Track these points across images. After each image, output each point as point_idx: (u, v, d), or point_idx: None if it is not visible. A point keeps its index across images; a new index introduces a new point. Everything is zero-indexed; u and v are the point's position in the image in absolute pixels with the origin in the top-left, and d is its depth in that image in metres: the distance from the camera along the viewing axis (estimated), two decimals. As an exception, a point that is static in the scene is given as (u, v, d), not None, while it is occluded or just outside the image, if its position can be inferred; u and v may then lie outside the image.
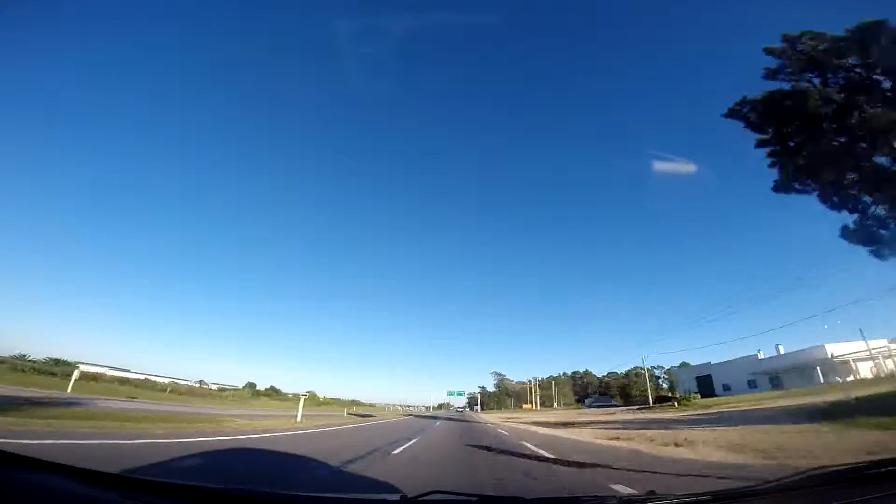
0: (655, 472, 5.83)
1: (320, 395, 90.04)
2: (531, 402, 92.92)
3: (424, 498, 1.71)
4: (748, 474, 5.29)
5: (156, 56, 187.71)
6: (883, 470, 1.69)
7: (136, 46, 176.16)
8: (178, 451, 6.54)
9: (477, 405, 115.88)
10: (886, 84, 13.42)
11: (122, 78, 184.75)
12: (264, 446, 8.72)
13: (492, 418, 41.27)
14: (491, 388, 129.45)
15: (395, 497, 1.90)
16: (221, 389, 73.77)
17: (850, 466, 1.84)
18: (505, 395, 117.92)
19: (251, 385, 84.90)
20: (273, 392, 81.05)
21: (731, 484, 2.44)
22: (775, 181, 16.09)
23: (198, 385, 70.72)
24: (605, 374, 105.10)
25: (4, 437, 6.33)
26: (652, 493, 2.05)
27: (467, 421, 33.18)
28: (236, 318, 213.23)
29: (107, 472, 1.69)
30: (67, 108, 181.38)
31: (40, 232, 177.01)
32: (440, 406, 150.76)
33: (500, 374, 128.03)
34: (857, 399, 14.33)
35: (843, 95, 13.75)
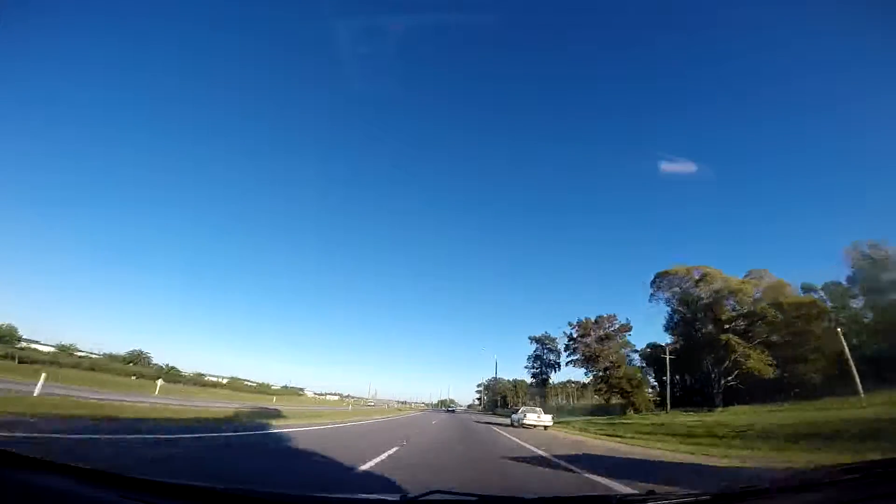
0: None
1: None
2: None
3: (424, 498, 1.70)
4: (748, 474, 5.30)
5: (156, 55, 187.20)
6: (883, 470, 1.69)
7: (135, 46, 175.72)
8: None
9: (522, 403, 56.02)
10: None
11: (123, 77, 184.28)
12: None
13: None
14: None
15: (395, 497, 1.89)
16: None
17: (850, 466, 1.84)
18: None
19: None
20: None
21: (731, 484, 2.44)
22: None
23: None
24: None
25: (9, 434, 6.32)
26: (652, 492, 2.05)
27: None
28: (219, 309, 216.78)
29: (107, 471, 1.69)
30: (67, 106, 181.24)
31: (39, 231, 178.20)
32: (440, 403, 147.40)
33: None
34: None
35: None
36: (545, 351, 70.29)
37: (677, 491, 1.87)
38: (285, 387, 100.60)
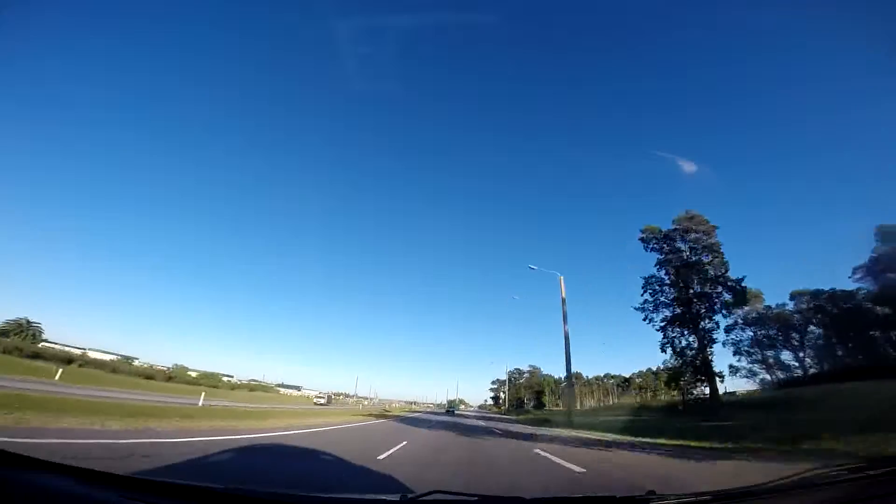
0: None
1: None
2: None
3: (425, 498, 1.69)
4: (748, 474, 5.27)
5: (158, 56, 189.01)
6: (884, 469, 1.68)
7: (138, 46, 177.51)
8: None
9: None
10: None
11: (124, 78, 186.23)
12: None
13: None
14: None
15: (395, 497, 1.88)
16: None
17: (851, 466, 1.82)
18: None
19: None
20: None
21: (731, 484, 2.42)
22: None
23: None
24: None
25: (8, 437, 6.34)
26: (652, 492, 2.03)
27: None
28: (219, 311, 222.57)
29: (107, 472, 1.69)
30: (69, 107, 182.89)
31: (38, 227, 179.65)
32: (449, 404, 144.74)
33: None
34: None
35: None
36: (696, 252, 30.41)
37: (677, 491, 1.86)
38: (282, 384, 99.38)
